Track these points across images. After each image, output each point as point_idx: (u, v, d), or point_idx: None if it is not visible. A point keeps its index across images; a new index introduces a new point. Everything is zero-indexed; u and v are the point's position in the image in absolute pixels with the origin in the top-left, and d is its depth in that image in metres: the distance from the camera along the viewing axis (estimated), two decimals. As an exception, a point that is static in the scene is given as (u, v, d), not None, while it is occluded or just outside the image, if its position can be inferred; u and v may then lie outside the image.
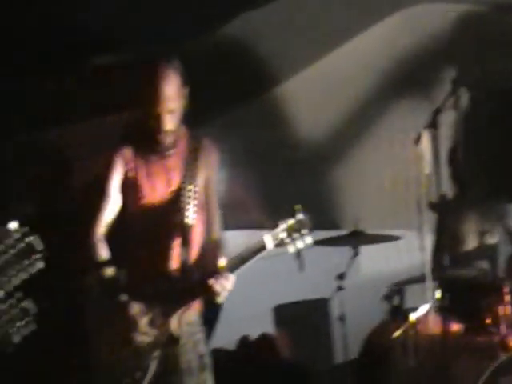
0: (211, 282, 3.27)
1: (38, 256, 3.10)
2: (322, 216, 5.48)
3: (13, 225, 4.47)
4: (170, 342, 3.35)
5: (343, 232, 5.09)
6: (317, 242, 5.26)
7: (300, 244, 3.38)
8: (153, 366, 3.31)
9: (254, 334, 5.44)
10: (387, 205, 5.37)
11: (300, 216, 3.37)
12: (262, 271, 5.96)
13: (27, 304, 3.14)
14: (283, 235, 3.36)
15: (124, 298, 3.33)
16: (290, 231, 3.36)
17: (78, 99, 4.83)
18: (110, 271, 3.39)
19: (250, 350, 5.31)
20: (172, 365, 3.38)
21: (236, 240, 4.46)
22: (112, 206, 3.47)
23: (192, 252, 3.45)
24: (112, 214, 3.47)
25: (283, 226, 3.36)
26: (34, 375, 4.33)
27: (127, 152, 3.46)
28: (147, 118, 3.37)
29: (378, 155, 5.26)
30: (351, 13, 4.63)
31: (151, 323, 3.33)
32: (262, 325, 5.57)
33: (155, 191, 3.45)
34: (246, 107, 5.18)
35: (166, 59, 3.40)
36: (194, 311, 3.48)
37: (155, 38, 4.30)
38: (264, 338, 5.38)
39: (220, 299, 3.30)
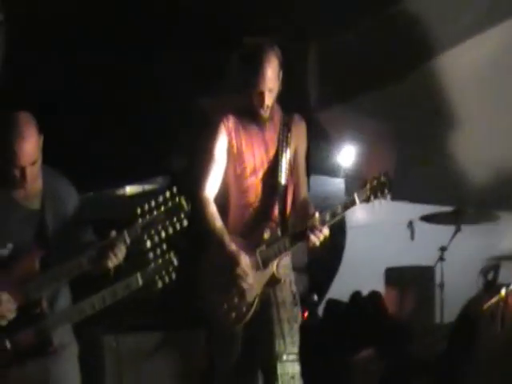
0: (308, 232, 3.74)
1: (185, 215, 3.38)
2: (432, 192, 6.04)
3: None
4: (273, 282, 3.84)
5: (448, 209, 5.57)
6: (424, 218, 5.85)
7: (381, 201, 3.77)
8: (256, 302, 3.80)
9: (365, 290, 5.93)
10: (490, 187, 5.64)
11: (383, 178, 3.77)
12: (378, 236, 6.62)
13: (171, 256, 3.48)
14: (368, 193, 3.76)
15: (232, 246, 3.81)
16: (375, 190, 3.75)
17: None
18: (218, 224, 3.85)
19: (361, 304, 5.77)
20: (270, 300, 3.86)
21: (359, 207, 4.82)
22: (218, 169, 3.91)
23: (287, 208, 3.93)
24: (218, 176, 3.91)
25: (369, 185, 3.78)
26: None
27: (230, 123, 3.91)
28: (251, 95, 3.85)
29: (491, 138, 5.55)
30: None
31: (255, 267, 3.82)
32: (373, 283, 6.04)
33: (255, 158, 3.93)
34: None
35: (270, 46, 3.85)
36: (287, 256, 3.93)
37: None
38: (374, 295, 5.84)
39: (314, 246, 3.73)
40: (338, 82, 5.70)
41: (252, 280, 3.79)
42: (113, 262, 3.38)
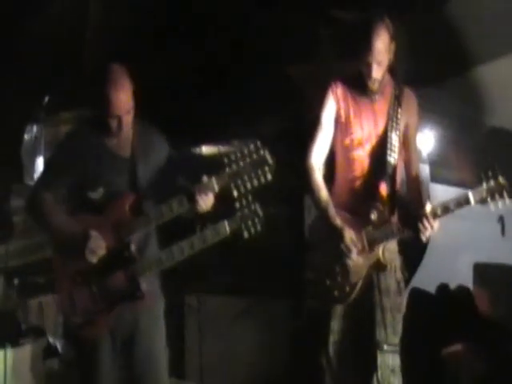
0: (418, 222, 3.58)
1: (269, 168, 3.43)
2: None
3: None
4: (378, 267, 3.69)
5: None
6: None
7: (500, 205, 3.58)
8: (359, 284, 3.67)
9: (451, 283, 5.62)
10: None
11: (501, 180, 3.57)
12: (468, 229, 5.96)
13: (256, 207, 3.51)
14: (485, 194, 3.57)
15: (339, 223, 3.67)
16: (492, 191, 3.56)
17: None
18: (323, 194, 3.73)
19: (449, 298, 5.49)
20: (373, 285, 3.72)
21: (443, 194, 4.50)
22: (325, 137, 3.81)
23: (396, 189, 3.76)
24: (325, 145, 3.81)
25: (486, 185, 3.58)
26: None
27: (340, 92, 3.80)
28: (360, 66, 3.74)
29: None
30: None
31: (361, 247, 3.67)
32: (461, 278, 5.72)
33: (363, 130, 3.78)
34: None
35: (380, 18, 3.77)
36: (394, 240, 3.80)
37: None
38: (463, 290, 5.54)
39: (422, 238, 3.60)
40: (427, 61, 5.50)
41: (356, 258, 3.65)
42: (202, 206, 3.42)
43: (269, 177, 3.43)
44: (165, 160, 3.61)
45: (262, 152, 3.43)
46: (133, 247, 3.44)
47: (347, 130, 3.79)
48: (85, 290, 3.42)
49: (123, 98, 3.43)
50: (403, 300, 3.82)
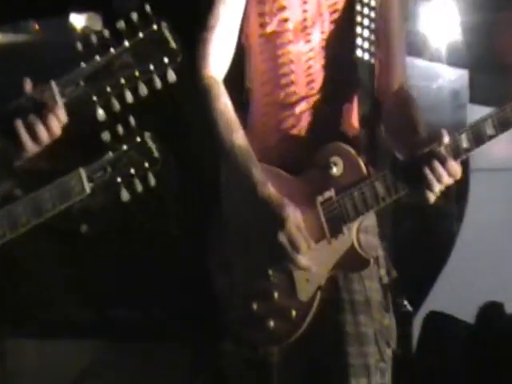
0: (422, 165, 2.21)
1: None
2: None
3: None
4: (352, 262, 2.30)
5: None
6: None
7: None
8: (316, 301, 2.29)
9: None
10: None
11: None
12: None
13: (147, 139, 2.03)
14: None
15: (268, 187, 2.25)
16: None
17: None
18: (241, 138, 2.32)
19: (502, 326, 3.50)
20: (341, 296, 2.36)
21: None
22: (230, 20, 2.41)
23: (377, 108, 2.41)
24: (232, 38, 2.40)
25: None
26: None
27: None
28: None
29: None
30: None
31: (316, 232, 2.28)
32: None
33: (305, 9, 2.39)
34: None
35: None
36: (372, 212, 2.41)
37: None
38: None
39: (431, 199, 2.23)
40: None
41: (316, 257, 2.26)
42: (41, 131, 1.90)
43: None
44: None
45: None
46: None
47: (275, 12, 2.40)
48: None
49: None
50: (393, 322, 2.33)
